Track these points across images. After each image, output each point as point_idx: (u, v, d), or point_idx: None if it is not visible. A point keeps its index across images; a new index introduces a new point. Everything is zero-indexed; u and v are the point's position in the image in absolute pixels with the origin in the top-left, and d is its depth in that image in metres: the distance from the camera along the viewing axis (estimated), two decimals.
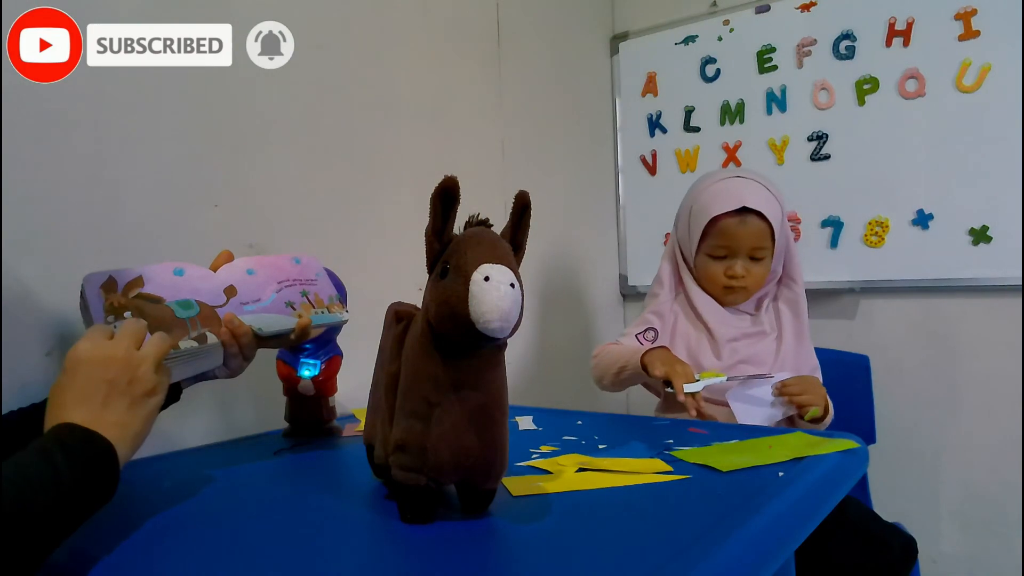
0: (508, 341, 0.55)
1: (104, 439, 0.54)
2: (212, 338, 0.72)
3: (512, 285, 0.51)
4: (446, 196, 0.55)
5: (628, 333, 1.34)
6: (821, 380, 1.23)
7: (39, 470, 0.50)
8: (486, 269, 0.51)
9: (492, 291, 0.50)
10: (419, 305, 0.62)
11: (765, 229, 1.20)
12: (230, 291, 0.77)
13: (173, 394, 0.76)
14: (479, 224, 0.58)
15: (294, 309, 0.80)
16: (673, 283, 1.35)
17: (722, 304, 1.29)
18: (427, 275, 0.58)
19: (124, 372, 0.58)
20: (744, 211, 1.20)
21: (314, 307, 0.82)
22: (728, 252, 1.23)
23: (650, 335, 1.32)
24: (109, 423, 0.56)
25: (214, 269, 0.80)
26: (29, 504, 0.48)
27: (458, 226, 0.58)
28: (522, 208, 0.58)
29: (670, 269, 1.35)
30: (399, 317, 0.65)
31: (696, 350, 1.27)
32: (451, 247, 0.55)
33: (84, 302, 0.70)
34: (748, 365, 1.22)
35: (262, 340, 0.77)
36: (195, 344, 0.70)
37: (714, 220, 1.22)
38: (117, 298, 0.70)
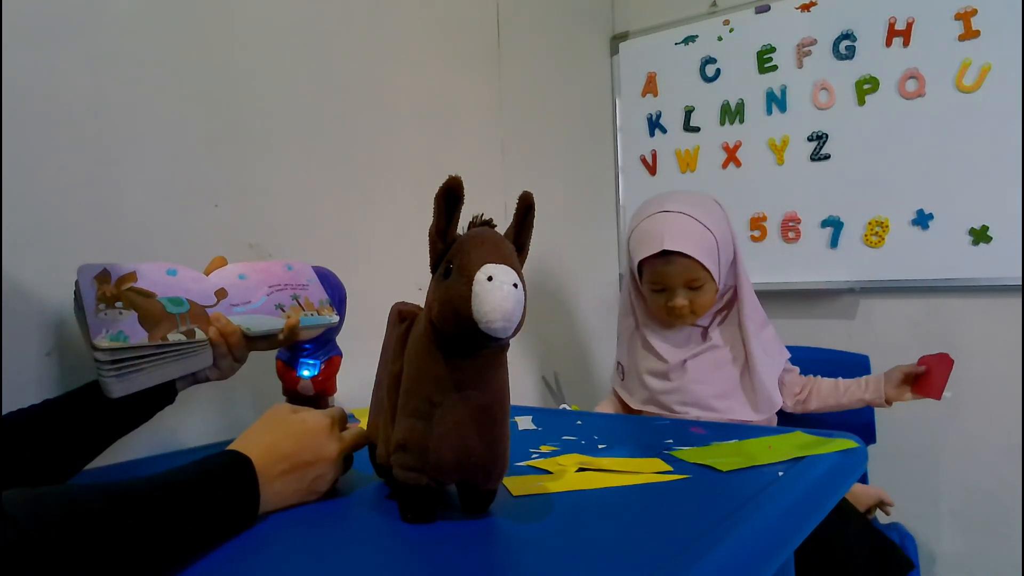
0: (510, 341, 0.55)
1: (256, 489, 0.58)
2: (200, 335, 0.73)
3: (515, 285, 0.51)
4: (450, 196, 0.55)
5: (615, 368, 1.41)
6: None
7: (186, 473, 0.53)
8: (489, 269, 0.51)
9: (495, 291, 0.50)
10: (422, 305, 0.62)
11: (692, 264, 1.17)
12: (220, 293, 0.78)
13: (167, 395, 0.76)
14: (483, 224, 0.58)
15: (284, 311, 0.80)
16: (630, 308, 1.35)
17: (671, 327, 1.28)
18: (429, 275, 0.58)
19: (319, 470, 0.64)
20: (666, 252, 1.17)
21: (304, 310, 0.82)
22: (664, 287, 1.22)
23: (620, 369, 1.38)
24: (272, 488, 0.59)
25: (207, 274, 0.80)
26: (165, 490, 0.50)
27: (461, 226, 0.58)
28: (526, 209, 0.58)
29: (627, 294, 1.35)
30: (402, 317, 0.65)
31: (656, 382, 1.28)
32: (454, 247, 0.55)
33: (77, 291, 0.71)
34: (698, 384, 1.23)
35: (251, 340, 0.77)
36: (183, 338, 0.71)
37: (643, 261, 1.22)
38: (109, 289, 0.70)
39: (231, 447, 0.60)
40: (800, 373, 1.31)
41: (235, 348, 0.75)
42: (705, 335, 1.27)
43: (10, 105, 0.81)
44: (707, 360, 1.25)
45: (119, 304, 0.69)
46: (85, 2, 0.89)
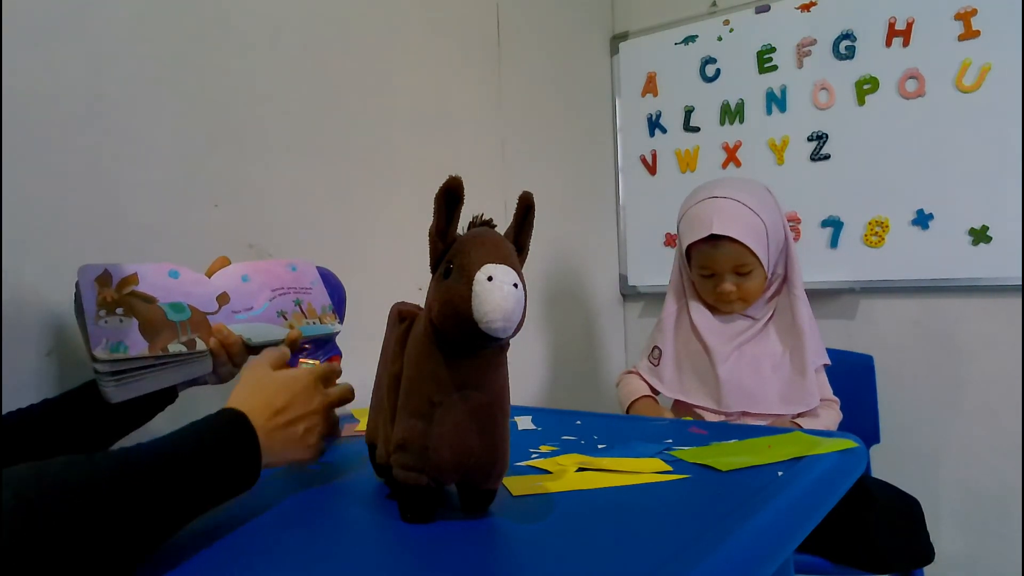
0: (510, 341, 0.55)
1: (257, 444, 0.58)
2: (201, 345, 0.72)
3: (515, 285, 0.51)
4: (450, 196, 0.55)
5: (642, 354, 1.39)
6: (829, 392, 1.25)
7: (184, 438, 0.54)
8: (489, 269, 0.51)
9: (495, 291, 0.50)
10: (421, 305, 0.62)
11: (740, 249, 1.19)
12: (223, 298, 0.78)
13: (168, 396, 0.76)
14: (483, 224, 0.58)
15: (286, 319, 0.80)
16: (679, 292, 1.36)
17: (722, 312, 1.29)
18: (429, 275, 0.58)
19: (309, 422, 0.64)
20: (715, 236, 1.18)
21: (306, 317, 0.82)
22: (712, 272, 1.24)
23: (656, 354, 1.35)
24: (269, 443, 0.59)
25: (209, 275, 0.80)
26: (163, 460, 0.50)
27: (461, 226, 0.58)
28: (526, 209, 0.58)
29: (677, 278, 1.36)
30: (402, 317, 0.65)
31: (700, 370, 1.28)
32: (455, 247, 0.55)
33: (78, 293, 0.71)
34: (742, 377, 1.23)
35: (251, 349, 0.77)
36: (184, 349, 0.71)
37: (691, 245, 1.24)
38: (110, 293, 0.70)
39: (226, 406, 0.60)
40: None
41: (235, 357, 0.76)
42: (754, 325, 1.27)
43: (10, 105, 0.81)
44: (754, 350, 1.25)
45: (119, 310, 0.69)
46: (85, 2, 0.89)
